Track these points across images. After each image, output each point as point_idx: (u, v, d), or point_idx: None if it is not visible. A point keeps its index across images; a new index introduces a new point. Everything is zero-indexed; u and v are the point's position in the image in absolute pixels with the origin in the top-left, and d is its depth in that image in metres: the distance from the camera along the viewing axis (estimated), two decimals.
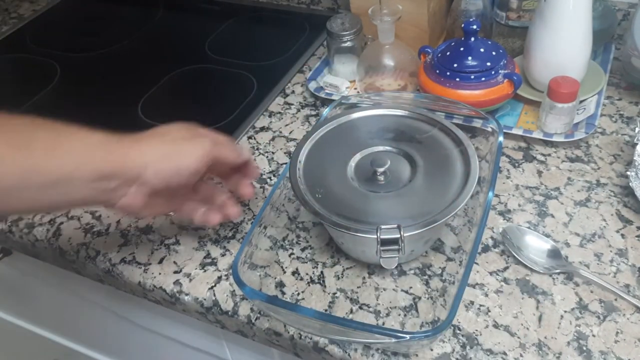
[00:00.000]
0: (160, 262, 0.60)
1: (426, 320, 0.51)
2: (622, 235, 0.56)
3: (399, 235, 0.47)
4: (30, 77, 0.97)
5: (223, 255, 0.60)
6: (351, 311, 0.53)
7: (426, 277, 0.55)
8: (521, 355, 0.47)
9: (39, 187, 0.42)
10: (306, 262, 0.57)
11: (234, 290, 0.56)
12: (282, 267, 0.57)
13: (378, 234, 0.47)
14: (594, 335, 0.48)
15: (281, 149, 0.72)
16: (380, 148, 0.57)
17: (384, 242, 0.47)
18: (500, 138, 0.57)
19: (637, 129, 0.60)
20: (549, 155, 0.65)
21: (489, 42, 0.68)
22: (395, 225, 0.48)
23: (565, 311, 0.50)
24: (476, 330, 0.50)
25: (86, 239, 0.64)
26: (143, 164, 0.46)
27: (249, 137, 0.75)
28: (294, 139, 0.73)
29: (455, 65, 0.66)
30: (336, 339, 0.50)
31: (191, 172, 0.49)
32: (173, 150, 0.48)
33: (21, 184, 0.41)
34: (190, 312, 0.59)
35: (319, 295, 0.54)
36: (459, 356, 0.48)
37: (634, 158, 0.58)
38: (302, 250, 0.59)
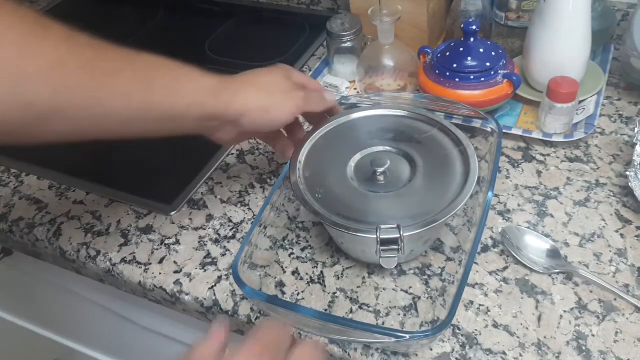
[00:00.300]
0: (161, 262, 0.60)
1: (426, 320, 0.51)
2: (622, 235, 0.56)
3: (398, 235, 0.47)
4: None
5: (223, 255, 0.60)
6: (351, 311, 0.53)
7: (426, 277, 0.55)
8: (521, 355, 0.47)
9: (156, 120, 0.49)
10: (306, 262, 0.58)
11: (234, 290, 0.56)
12: (282, 267, 0.57)
13: (378, 234, 0.47)
14: (593, 335, 0.48)
15: None
16: (380, 148, 0.57)
17: (384, 242, 0.48)
18: (500, 138, 0.57)
19: (636, 129, 0.60)
20: (549, 155, 0.66)
21: (489, 43, 0.68)
22: (395, 225, 0.48)
23: (564, 311, 0.50)
24: (476, 330, 0.50)
25: (86, 239, 0.64)
26: (241, 113, 0.53)
27: (250, 137, 0.75)
28: None
29: (454, 65, 0.67)
30: (336, 338, 0.50)
31: (282, 123, 0.56)
32: (269, 104, 0.54)
33: (142, 116, 0.48)
34: (190, 312, 0.59)
35: (319, 295, 0.54)
36: (458, 356, 0.48)
37: (633, 158, 0.58)
38: (302, 250, 0.59)
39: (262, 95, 0.54)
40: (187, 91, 0.50)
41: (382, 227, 0.48)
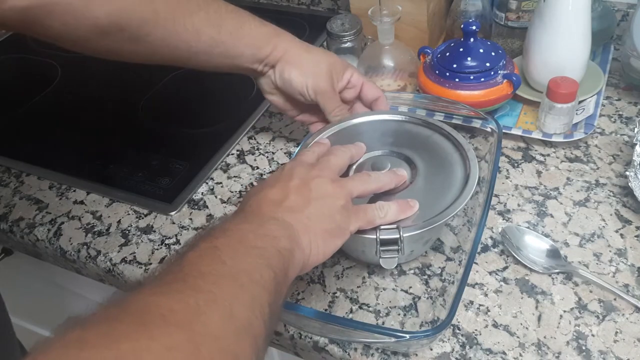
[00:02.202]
0: (161, 262, 0.60)
1: (426, 320, 0.51)
2: (621, 235, 0.56)
3: (398, 236, 0.47)
4: (31, 78, 0.98)
5: None
6: (351, 311, 0.53)
7: (426, 276, 0.55)
8: (520, 355, 0.47)
9: (218, 55, 0.58)
10: None
11: None
12: None
13: (377, 234, 0.47)
14: (593, 335, 0.48)
15: (281, 149, 0.72)
16: (381, 152, 0.57)
17: (384, 242, 0.48)
18: (500, 138, 0.57)
19: (636, 129, 0.60)
20: (548, 155, 0.66)
21: (488, 43, 0.68)
22: (394, 226, 0.48)
23: (564, 311, 0.50)
24: (476, 329, 0.50)
25: (87, 239, 0.64)
26: (279, 58, 0.60)
27: (250, 138, 0.75)
28: (295, 140, 0.73)
29: (454, 65, 0.67)
30: (336, 338, 0.50)
31: (300, 90, 0.60)
32: (300, 64, 0.60)
33: (208, 50, 0.57)
34: None
35: (319, 295, 0.55)
36: (458, 356, 0.48)
37: (633, 158, 0.58)
38: None
39: (303, 55, 0.60)
40: (247, 35, 0.58)
41: (382, 227, 0.48)
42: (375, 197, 0.52)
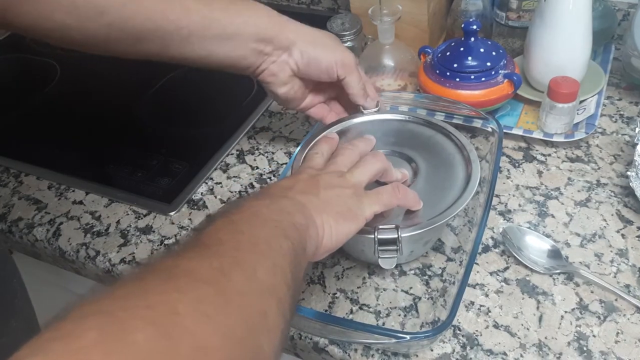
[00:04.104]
0: None
1: (426, 321, 0.51)
2: (623, 235, 0.56)
3: (396, 236, 0.47)
4: (30, 77, 0.97)
5: None
6: (351, 311, 0.53)
7: (426, 277, 0.54)
8: (521, 356, 0.47)
9: (213, 38, 0.51)
10: None
11: None
12: None
13: (375, 234, 0.47)
14: (594, 336, 0.48)
15: (281, 149, 0.72)
16: (383, 151, 0.57)
17: (382, 242, 0.47)
18: (501, 138, 0.57)
19: (637, 129, 0.60)
20: (549, 155, 0.65)
21: (489, 42, 0.68)
22: (392, 226, 0.47)
23: (565, 311, 0.50)
24: (476, 330, 0.50)
25: (86, 239, 0.64)
26: (294, 40, 0.55)
27: (249, 137, 0.75)
28: (294, 139, 0.73)
29: (455, 65, 0.66)
30: (336, 339, 0.50)
31: (328, 66, 0.56)
32: (320, 41, 0.57)
33: (201, 32, 0.51)
34: None
35: (319, 295, 0.54)
36: (459, 356, 0.48)
37: (634, 158, 0.58)
38: None
39: (313, 33, 0.57)
40: (244, 9, 0.53)
41: (380, 227, 0.48)
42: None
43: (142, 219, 0.65)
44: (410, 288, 0.54)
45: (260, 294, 0.31)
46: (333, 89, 0.63)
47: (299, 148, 0.58)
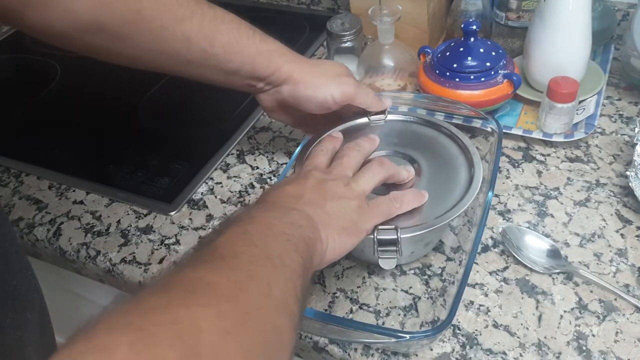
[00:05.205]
0: (161, 262, 0.60)
1: (426, 320, 0.51)
2: (622, 235, 0.56)
3: (396, 237, 0.47)
4: (30, 77, 0.98)
5: None
6: (351, 311, 0.53)
7: (426, 277, 0.55)
8: (521, 355, 0.47)
9: (211, 68, 0.54)
10: None
11: None
12: None
13: (375, 234, 0.47)
14: (593, 335, 0.48)
15: (281, 149, 0.72)
16: (385, 152, 0.57)
17: (382, 243, 0.48)
18: (500, 138, 0.57)
19: (636, 129, 0.60)
20: (549, 155, 0.65)
21: (489, 43, 0.68)
22: (392, 227, 0.48)
23: (565, 311, 0.50)
24: (476, 330, 0.50)
25: (86, 239, 0.64)
26: (285, 79, 0.56)
27: (249, 137, 0.75)
28: (294, 139, 0.73)
29: (454, 65, 0.67)
30: (336, 338, 0.50)
31: (319, 103, 0.56)
32: (313, 81, 0.56)
33: (200, 62, 0.54)
34: None
35: (319, 295, 0.54)
36: (458, 356, 0.48)
37: (634, 158, 0.58)
38: None
39: (312, 71, 0.56)
40: (244, 51, 0.54)
41: (380, 227, 0.48)
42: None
43: (142, 218, 0.65)
44: (410, 288, 0.54)
45: (275, 310, 0.32)
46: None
47: (299, 148, 0.58)
